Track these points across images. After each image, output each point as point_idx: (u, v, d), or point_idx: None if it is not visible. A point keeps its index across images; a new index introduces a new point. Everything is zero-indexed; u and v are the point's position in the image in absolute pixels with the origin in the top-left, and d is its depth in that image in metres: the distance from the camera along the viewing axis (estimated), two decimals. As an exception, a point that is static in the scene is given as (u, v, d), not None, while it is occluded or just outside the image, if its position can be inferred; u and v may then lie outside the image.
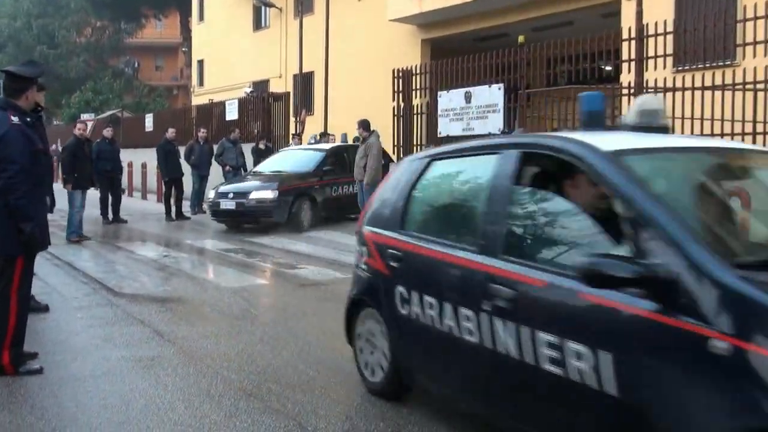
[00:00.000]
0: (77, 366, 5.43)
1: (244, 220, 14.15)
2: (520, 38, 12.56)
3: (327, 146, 16.05)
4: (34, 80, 5.41)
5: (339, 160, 15.05)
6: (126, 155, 27.18)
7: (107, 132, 15.77)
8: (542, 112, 12.46)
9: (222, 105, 22.75)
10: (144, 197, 22.73)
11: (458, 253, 3.94)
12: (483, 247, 3.77)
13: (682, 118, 9.76)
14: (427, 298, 4.08)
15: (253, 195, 13.71)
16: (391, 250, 4.51)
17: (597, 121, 4.03)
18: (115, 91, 40.89)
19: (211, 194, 14.57)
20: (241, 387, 4.94)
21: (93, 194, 15.27)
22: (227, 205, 13.88)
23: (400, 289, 4.33)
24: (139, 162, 23.88)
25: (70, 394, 4.81)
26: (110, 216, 15.39)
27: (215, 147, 17.48)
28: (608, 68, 13.13)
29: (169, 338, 6.22)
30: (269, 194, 13.64)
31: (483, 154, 4.35)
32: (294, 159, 15.42)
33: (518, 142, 4.05)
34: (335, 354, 5.73)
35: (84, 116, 30.98)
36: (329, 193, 14.51)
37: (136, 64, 54.73)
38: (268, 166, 15.57)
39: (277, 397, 4.72)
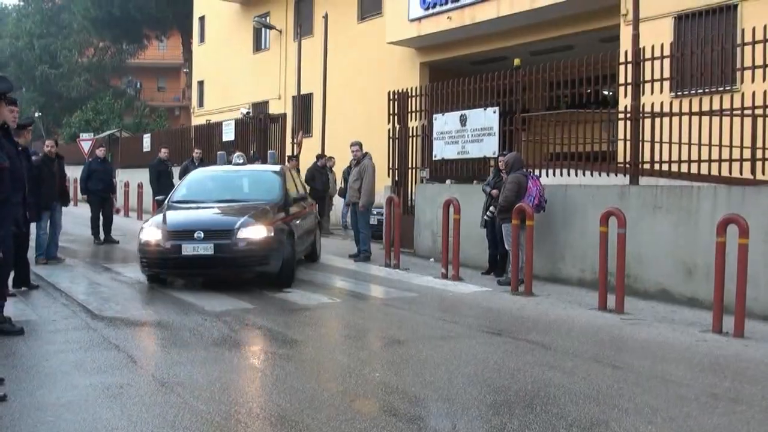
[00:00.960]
0: (42, 393, 5.20)
1: (221, 273, 9.88)
2: (516, 61, 12.43)
3: (273, 168, 12.46)
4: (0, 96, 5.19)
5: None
6: (124, 175, 27.27)
7: (100, 151, 15.65)
8: (540, 136, 12.29)
9: (220, 126, 22.68)
10: (140, 217, 22.55)
11: None
12: None
13: (679, 143, 9.58)
14: None
15: (243, 233, 9.47)
16: None
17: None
18: (116, 111, 40.88)
19: (151, 234, 9.65)
20: (209, 419, 4.70)
21: (84, 213, 15.13)
22: (196, 249, 9.31)
23: None
24: (136, 182, 23.79)
25: (30, 425, 4.58)
26: (101, 236, 15.21)
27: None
28: (607, 93, 12.99)
29: (142, 365, 6.00)
30: (263, 232, 9.60)
31: None
32: (237, 183, 11.77)
33: None
34: (312, 383, 5.52)
35: (83, 135, 30.93)
36: (300, 226, 11.29)
37: (138, 85, 54.82)
38: (195, 192, 11.17)
39: (244, 430, 4.48)
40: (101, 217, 15.23)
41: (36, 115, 43.86)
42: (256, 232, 9.55)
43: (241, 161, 12.86)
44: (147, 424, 4.58)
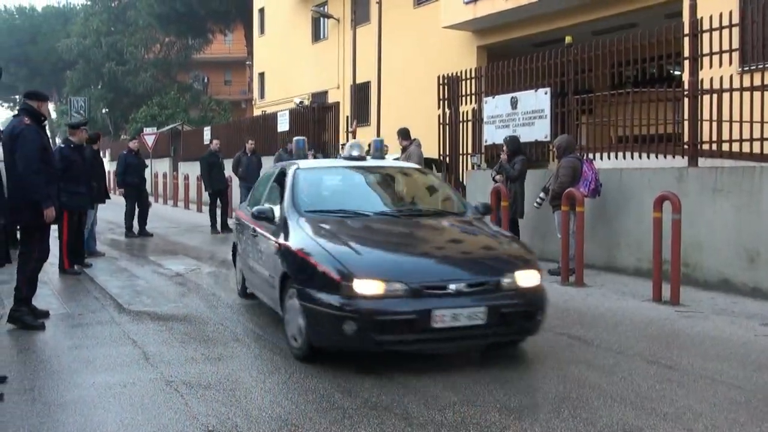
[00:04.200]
0: (43, 393, 4.97)
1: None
2: (567, 38, 11.76)
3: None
4: None
5: None
6: (185, 168, 27.45)
7: (133, 144, 15.68)
8: (599, 118, 11.60)
9: (275, 116, 22.53)
10: (199, 210, 22.63)
11: None
12: None
13: (740, 121, 8.82)
14: None
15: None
16: None
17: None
18: (181, 105, 41.30)
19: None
20: (205, 422, 4.38)
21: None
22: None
23: None
24: (196, 174, 23.84)
25: (18, 426, 4.34)
26: (136, 229, 15.06)
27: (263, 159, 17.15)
28: (680, 72, 12.19)
29: (154, 362, 5.73)
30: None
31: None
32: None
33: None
34: (325, 383, 5.12)
35: (147, 130, 31.30)
36: None
37: (205, 79, 55.38)
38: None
39: (237, 436, 4.15)
40: (137, 210, 15.11)
41: (104, 111, 44.77)
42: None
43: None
44: (137, 428, 4.30)
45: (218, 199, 16.34)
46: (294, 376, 5.34)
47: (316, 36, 30.17)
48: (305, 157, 7.63)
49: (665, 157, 9.73)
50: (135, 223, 15.06)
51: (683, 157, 9.50)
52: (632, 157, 10.27)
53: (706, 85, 9.19)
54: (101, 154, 12.02)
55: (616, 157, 10.52)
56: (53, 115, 58.17)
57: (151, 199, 17.32)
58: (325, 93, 28.26)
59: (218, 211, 16.27)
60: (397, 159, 13.10)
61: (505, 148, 11.01)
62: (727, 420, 4.33)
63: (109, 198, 12.47)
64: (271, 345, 6.37)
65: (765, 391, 4.89)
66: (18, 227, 7.18)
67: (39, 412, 4.57)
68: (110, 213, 16.22)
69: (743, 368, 5.42)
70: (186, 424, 4.35)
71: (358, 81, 22.63)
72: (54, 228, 7.53)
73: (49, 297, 8.36)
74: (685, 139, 9.49)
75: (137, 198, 15.06)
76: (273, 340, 6.57)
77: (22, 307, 6.92)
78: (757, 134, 8.64)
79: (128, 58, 43.87)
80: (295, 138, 8.33)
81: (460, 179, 13.90)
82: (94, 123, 41.90)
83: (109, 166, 30.42)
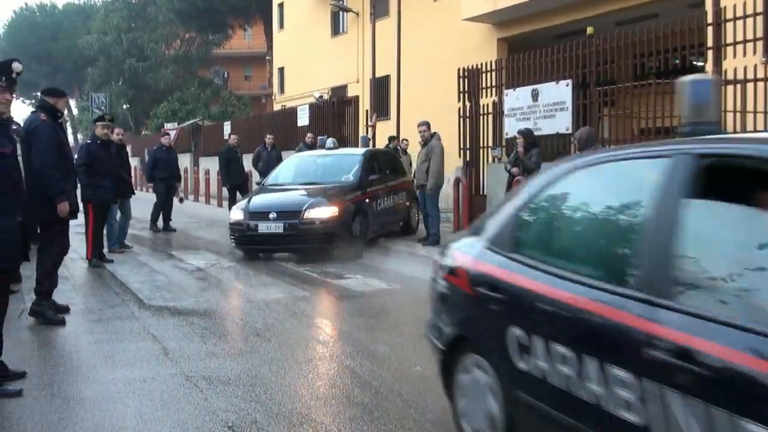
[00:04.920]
0: (62, 389, 4.97)
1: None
2: (589, 29, 11.62)
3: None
4: None
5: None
6: (206, 162, 27.52)
7: (165, 140, 15.68)
8: (626, 110, 11.46)
9: (295, 111, 22.56)
10: (220, 204, 22.67)
11: None
12: None
13: (765, 112, 8.70)
14: None
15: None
16: None
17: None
18: (202, 100, 41.41)
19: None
20: (224, 418, 4.35)
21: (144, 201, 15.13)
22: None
23: None
24: (217, 169, 23.89)
25: (37, 422, 4.33)
26: (160, 224, 15.07)
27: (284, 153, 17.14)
28: (700, 63, 12.06)
29: (174, 357, 5.71)
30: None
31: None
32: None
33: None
34: (344, 378, 5.09)
35: (167, 125, 31.40)
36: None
37: (225, 74, 55.51)
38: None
39: (256, 432, 4.11)
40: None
41: (125, 107, 45.06)
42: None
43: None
44: (156, 423, 4.27)
45: (237, 194, 16.35)
46: (314, 371, 5.31)
47: (336, 30, 30.11)
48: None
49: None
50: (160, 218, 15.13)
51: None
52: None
53: (730, 76, 9.05)
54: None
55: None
56: (74, 111, 58.63)
57: (182, 194, 17.22)
58: (344, 87, 28.20)
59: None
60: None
61: (520, 140, 10.88)
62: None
63: (134, 193, 12.56)
64: (290, 340, 6.34)
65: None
66: (36, 224, 7.19)
67: (58, 408, 4.57)
68: (133, 208, 16.26)
69: None
70: (205, 419, 4.33)
71: (377, 75, 22.51)
72: (75, 223, 7.53)
73: (70, 292, 8.38)
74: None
75: (166, 193, 15.10)
76: (291, 334, 6.55)
77: (43, 301, 6.94)
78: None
79: (149, 54, 44.08)
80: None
81: (482, 173, 13.82)
82: (115, 119, 42.19)
83: (131, 161, 30.58)
